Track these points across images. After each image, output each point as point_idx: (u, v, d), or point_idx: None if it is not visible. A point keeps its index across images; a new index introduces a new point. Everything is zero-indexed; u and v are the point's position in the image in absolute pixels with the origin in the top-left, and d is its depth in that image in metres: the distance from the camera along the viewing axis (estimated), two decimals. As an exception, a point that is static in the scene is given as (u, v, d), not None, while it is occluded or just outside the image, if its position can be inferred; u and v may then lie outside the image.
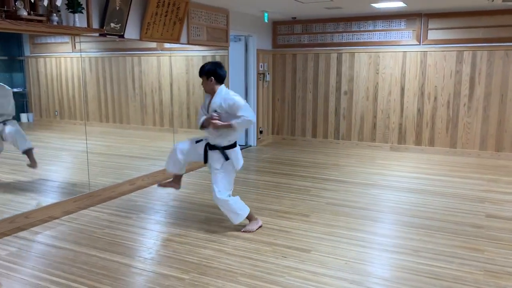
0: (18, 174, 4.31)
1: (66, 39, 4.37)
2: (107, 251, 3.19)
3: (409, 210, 4.11)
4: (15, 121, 4.28)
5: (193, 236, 3.49)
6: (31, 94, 4.59)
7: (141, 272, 2.88)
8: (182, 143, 3.69)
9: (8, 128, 4.19)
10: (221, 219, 3.85)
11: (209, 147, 3.55)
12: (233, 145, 3.56)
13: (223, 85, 3.55)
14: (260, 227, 3.67)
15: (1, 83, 4.18)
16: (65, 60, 4.71)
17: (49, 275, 2.83)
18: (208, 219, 3.87)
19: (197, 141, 3.64)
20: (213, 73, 3.48)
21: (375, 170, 5.74)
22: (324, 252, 3.17)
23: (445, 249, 3.23)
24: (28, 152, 4.33)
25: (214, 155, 3.54)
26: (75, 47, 4.65)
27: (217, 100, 3.49)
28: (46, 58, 4.58)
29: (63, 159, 5.07)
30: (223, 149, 3.51)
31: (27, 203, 4.11)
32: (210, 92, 3.54)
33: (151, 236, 3.52)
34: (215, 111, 3.46)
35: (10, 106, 4.22)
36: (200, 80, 3.59)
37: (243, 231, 3.57)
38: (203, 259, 3.07)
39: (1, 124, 4.19)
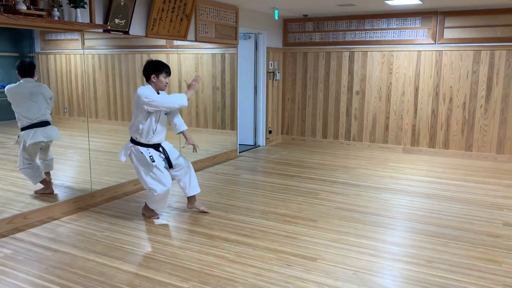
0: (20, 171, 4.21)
1: (76, 36, 4.30)
2: (106, 256, 3.07)
3: (423, 217, 3.92)
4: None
5: (195, 241, 3.35)
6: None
7: (140, 279, 2.75)
8: (166, 180, 3.72)
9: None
10: (225, 223, 3.71)
11: (163, 147, 3.77)
12: None
13: None
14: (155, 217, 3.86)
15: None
16: (75, 57, 4.66)
17: (43, 281, 2.71)
18: (211, 223, 3.73)
19: (153, 160, 3.68)
20: None
21: (387, 173, 5.55)
22: (331, 261, 3.01)
23: (461, 260, 3.04)
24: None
25: (172, 149, 3.84)
26: (84, 44, 4.62)
27: None
28: (56, 55, 4.51)
29: (68, 157, 4.96)
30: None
31: (28, 202, 4.02)
32: (164, 89, 3.74)
33: (152, 240, 3.39)
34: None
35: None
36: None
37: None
38: (204, 266, 2.93)
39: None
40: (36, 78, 4.09)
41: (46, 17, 3.40)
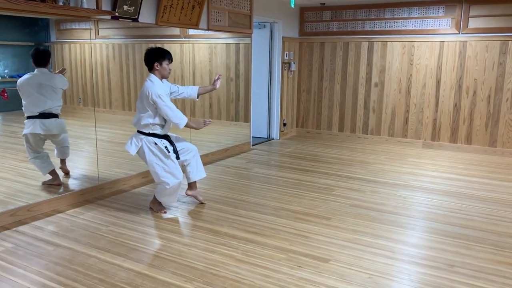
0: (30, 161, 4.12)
1: (90, 25, 4.21)
2: (108, 252, 2.94)
3: (443, 216, 3.70)
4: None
5: (202, 237, 3.20)
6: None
7: (141, 278, 2.61)
8: (178, 173, 3.60)
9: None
10: (234, 220, 3.55)
11: (170, 137, 3.69)
12: None
13: None
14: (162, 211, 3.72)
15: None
16: (89, 47, 4.63)
17: (42, 277, 2.60)
18: (219, 219, 3.57)
19: (168, 150, 3.58)
20: None
21: (406, 169, 5.31)
22: (345, 263, 2.83)
23: (484, 265, 2.83)
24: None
25: (177, 138, 3.75)
26: (98, 34, 4.58)
27: (167, 85, 3.70)
28: (71, 44, 4.46)
29: (80, 148, 4.87)
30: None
31: (34, 193, 3.93)
32: (168, 77, 3.65)
33: (157, 236, 3.26)
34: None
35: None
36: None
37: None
38: (210, 265, 2.78)
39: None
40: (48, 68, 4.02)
41: (50, 2, 3.26)
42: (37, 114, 3.94)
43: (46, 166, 4.09)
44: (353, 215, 3.70)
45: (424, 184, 4.64)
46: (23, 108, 3.94)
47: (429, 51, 6.36)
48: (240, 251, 2.97)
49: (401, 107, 6.66)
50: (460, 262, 2.86)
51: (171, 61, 3.57)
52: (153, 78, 3.51)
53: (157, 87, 3.45)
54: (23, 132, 3.95)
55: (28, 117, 3.94)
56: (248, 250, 2.99)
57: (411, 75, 6.53)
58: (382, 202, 4.04)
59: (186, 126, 3.55)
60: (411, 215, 3.72)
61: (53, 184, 4.11)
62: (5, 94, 4.09)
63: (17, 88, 3.90)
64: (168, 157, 3.53)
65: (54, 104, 4.05)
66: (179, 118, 3.50)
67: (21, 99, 3.93)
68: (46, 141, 4.11)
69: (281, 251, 2.98)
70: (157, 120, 3.53)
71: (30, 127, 3.92)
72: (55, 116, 4.07)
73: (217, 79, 3.87)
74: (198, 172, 3.80)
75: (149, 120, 3.51)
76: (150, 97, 3.41)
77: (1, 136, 4.77)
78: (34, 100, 3.93)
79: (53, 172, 4.11)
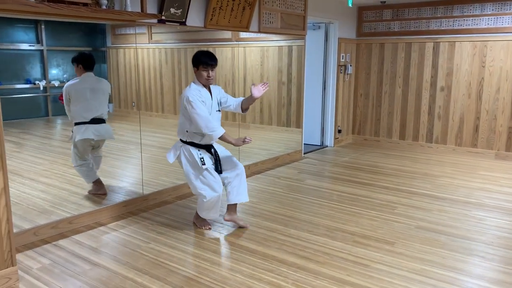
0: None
1: (143, 29, 4.15)
2: (146, 275, 2.72)
3: (529, 245, 3.16)
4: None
5: (248, 261, 2.90)
6: (112, 85, 4.48)
7: (178, 309, 2.36)
8: (217, 186, 3.30)
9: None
10: (283, 241, 3.22)
11: (215, 149, 3.36)
12: None
13: None
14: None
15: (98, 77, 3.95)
16: (142, 51, 4.66)
17: (74, 302, 2.41)
18: (268, 239, 3.26)
19: (203, 162, 3.28)
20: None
21: (477, 183, 4.73)
22: (413, 302, 2.42)
23: None
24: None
25: (224, 152, 3.43)
26: (151, 38, 4.57)
27: (216, 92, 3.38)
28: (126, 49, 4.43)
29: (129, 154, 4.77)
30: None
31: (79, 203, 3.81)
32: (207, 83, 3.27)
33: (199, 257, 2.99)
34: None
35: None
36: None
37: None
38: (255, 296, 2.47)
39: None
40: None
41: (93, 6, 3.10)
42: (89, 120, 3.82)
43: (92, 175, 3.98)
44: (419, 239, 3.25)
45: (501, 204, 4.07)
46: (71, 113, 3.82)
47: (505, 52, 5.70)
48: (290, 281, 2.63)
49: (471, 113, 6.03)
50: (557, 307, 2.36)
51: (208, 65, 3.18)
52: (193, 83, 3.27)
53: (192, 92, 3.17)
54: (77, 138, 3.79)
55: (78, 123, 3.82)
56: (299, 280, 2.65)
57: (482, 78, 5.90)
58: (452, 224, 3.55)
59: (222, 138, 3.21)
60: (488, 242, 3.21)
61: (99, 193, 3.99)
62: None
63: (64, 93, 3.78)
64: (203, 169, 3.25)
65: (105, 110, 3.94)
66: (210, 129, 3.13)
67: None
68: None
69: (336, 283, 2.61)
70: (193, 128, 3.24)
71: (84, 132, 3.79)
72: (104, 121, 3.95)
73: (254, 85, 3.33)
74: (239, 195, 3.39)
75: (185, 127, 3.26)
76: (182, 102, 3.19)
77: (56, 141, 4.76)
78: (87, 106, 3.81)
79: (98, 181, 3.99)
